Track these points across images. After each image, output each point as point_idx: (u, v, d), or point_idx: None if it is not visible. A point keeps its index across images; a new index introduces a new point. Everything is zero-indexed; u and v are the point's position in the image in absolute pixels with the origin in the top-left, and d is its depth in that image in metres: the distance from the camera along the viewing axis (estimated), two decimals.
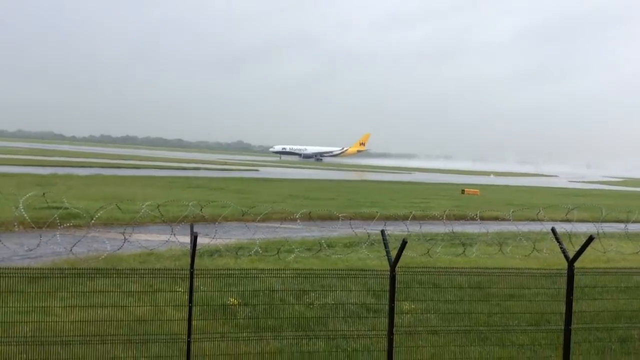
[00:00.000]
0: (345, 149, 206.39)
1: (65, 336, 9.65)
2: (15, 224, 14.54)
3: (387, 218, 17.76)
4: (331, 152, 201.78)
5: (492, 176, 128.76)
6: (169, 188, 47.30)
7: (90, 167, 74.54)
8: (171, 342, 9.76)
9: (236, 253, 16.81)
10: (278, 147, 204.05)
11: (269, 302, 12.06)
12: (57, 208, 20.97)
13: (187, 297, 9.44)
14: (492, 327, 11.62)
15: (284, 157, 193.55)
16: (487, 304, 12.17)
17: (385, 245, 9.72)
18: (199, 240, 9.36)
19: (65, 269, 11.21)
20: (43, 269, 11.82)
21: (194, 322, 9.34)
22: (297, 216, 12.22)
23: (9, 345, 9.32)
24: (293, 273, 11.50)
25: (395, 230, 12.66)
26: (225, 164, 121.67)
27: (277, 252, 14.04)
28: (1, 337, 9.50)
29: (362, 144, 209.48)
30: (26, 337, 9.70)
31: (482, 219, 16.85)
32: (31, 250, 12.35)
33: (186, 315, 9.36)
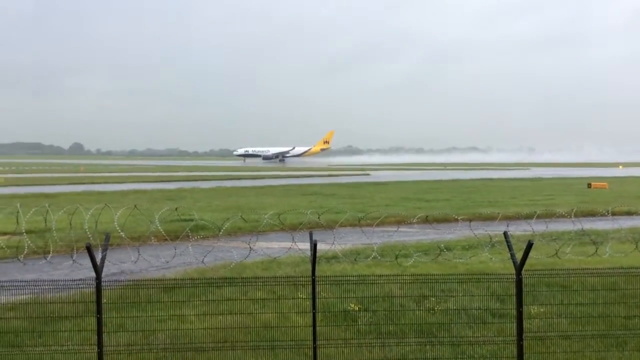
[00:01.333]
0: (309, 148, 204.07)
1: (199, 343, 10.23)
2: (152, 237, 15.72)
3: (509, 218, 17.11)
4: (291, 152, 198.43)
5: (621, 168, 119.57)
6: (285, 196, 48.68)
7: (212, 180, 78.62)
8: (297, 348, 10.02)
9: (355, 259, 16.95)
10: (241, 150, 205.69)
11: (389, 308, 12.01)
12: (187, 220, 22.36)
13: (309, 303, 9.66)
14: (631, 331, 10.78)
15: (248, 160, 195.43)
16: (624, 306, 11.32)
17: (509, 248, 9.35)
18: (317, 246, 9.55)
19: (196, 279, 11.92)
20: (176, 279, 12.67)
21: (317, 328, 9.53)
22: (414, 220, 12.09)
23: (149, 352, 10.03)
24: (411, 278, 11.39)
25: (517, 230, 12.15)
26: (333, 169, 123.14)
27: (396, 258, 13.96)
28: (142, 344, 10.25)
29: (327, 142, 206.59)
30: (164, 344, 10.40)
31: (614, 214, 15.70)
32: (168, 261, 13.25)
33: (310, 321, 9.57)
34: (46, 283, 9.85)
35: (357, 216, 24.28)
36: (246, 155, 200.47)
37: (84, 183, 67.15)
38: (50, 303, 10.69)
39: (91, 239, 11.59)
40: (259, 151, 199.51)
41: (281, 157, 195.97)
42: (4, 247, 14.45)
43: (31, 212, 13.95)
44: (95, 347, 8.57)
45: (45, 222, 15.45)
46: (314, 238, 9.60)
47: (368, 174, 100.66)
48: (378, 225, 14.55)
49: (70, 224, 12.65)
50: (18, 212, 14.61)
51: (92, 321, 9.87)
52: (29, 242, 12.30)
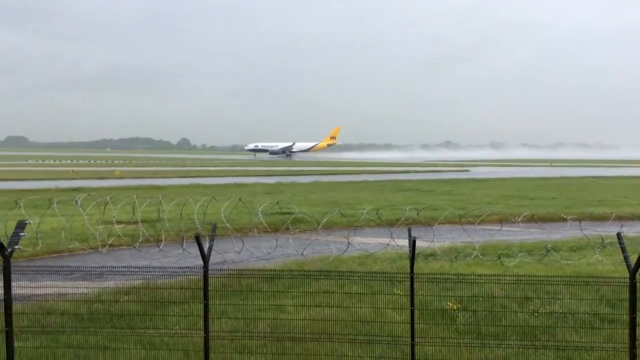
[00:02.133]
0: (316, 144, 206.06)
1: (297, 333, 10.47)
2: (254, 229, 16.34)
3: (621, 218, 16.00)
4: (293, 147, 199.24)
5: None
6: (381, 192, 48.52)
7: (310, 174, 79.92)
8: (394, 344, 9.99)
9: (455, 257, 16.58)
10: (251, 145, 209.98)
11: (489, 308, 11.66)
12: (286, 214, 22.92)
13: (406, 300, 9.59)
14: None
15: (258, 155, 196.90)
16: None
17: (623, 250, 8.77)
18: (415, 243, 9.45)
19: (294, 271, 12.20)
20: (276, 270, 13.03)
21: (415, 325, 9.44)
22: (519, 219, 11.63)
23: (250, 339, 10.40)
24: (514, 279, 10.99)
25: (631, 231, 11.36)
26: (432, 165, 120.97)
27: (499, 257, 13.50)
28: (244, 331, 10.66)
29: (333, 137, 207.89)
30: (265, 332, 10.74)
31: None
32: (269, 253, 13.66)
33: (407, 318, 9.50)
34: (157, 269, 10.48)
35: (457, 213, 23.75)
36: (256, 150, 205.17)
37: (190, 176, 70.57)
38: (160, 288, 11.37)
39: (199, 229, 12.18)
40: (267, 146, 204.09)
41: (287, 152, 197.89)
42: (121, 235, 15.54)
43: (146, 203, 14.95)
44: (202, 332, 9.02)
45: (159, 213, 16.45)
46: (410, 234, 9.52)
47: (468, 170, 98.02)
48: (479, 223, 14.12)
49: (181, 215, 13.34)
50: (134, 203, 15.67)
51: (198, 307, 10.39)
52: (144, 230, 13.13)
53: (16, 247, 7.68)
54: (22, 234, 7.77)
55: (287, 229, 13.55)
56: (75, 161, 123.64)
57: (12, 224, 8.33)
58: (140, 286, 11.50)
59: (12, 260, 7.93)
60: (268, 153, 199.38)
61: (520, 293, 11.70)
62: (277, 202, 15.74)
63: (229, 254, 14.96)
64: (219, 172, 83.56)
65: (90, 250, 18.02)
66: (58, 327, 10.80)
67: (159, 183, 57.12)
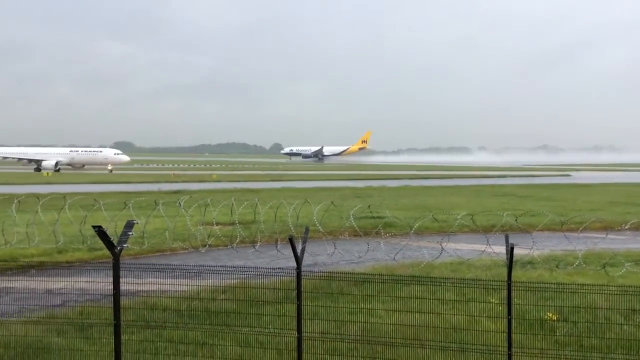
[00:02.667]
0: (347, 147, 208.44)
1: (388, 337, 10.41)
2: (345, 232, 16.50)
3: None
4: (324, 150, 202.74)
5: None
6: (476, 197, 47.21)
7: (399, 178, 79.24)
8: (488, 353, 9.70)
9: (555, 266, 15.83)
10: (287, 149, 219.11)
11: (592, 320, 11.04)
12: (377, 218, 22.88)
13: (502, 308, 9.29)
14: None
15: (293, 158, 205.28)
16: None
17: None
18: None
19: (385, 275, 12.16)
20: (367, 274, 13.04)
21: (512, 335, 9.13)
22: (627, 226, 10.93)
23: (342, 342, 10.47)
24: (619, 289, 10.34)
25: None
26: (532, 169, 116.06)
27: (603, 267, 12.74)
28: (335, 333, 10.75)
29: (364, 141, 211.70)
30: (355, 335, 10.77)
31: None
32: (360, 256, 13.73)
33: (503, 327, 9.20)
34: (251, 270, 10.82)
35: (557, 220, 22.68)
36: (291, 154, 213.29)
37: (282, 180, 72.15)
38: (255, 288, 11.70)
39: (292, 231, 12.44)
40: (301, 150, 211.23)
41: (320, 155, 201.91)
42: (220, 236, 16.19)
43: (243, 205, 15.52)
44: (295, 333, 9.20)
45: (254, 215, 17.00)
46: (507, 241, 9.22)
47: (569, 175, 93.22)
48: (582, 230, 13.38)
49: (275, 217, 13.71)
50: (232, 205, 16.29)
51: (291, 308, 10.60)
52: (241, 232, 13.60)
53: (125, 245, 8.21)
54: (130, 233, 8.30)
55: (378, 233, 13.53)
56: (176, 165, 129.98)
57: (121, 224, 8.92)
58: (236, 285, 11.90)
59: (119, 258, 8.48)
60: (301, 157, 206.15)
61: (627, 305, 10.97)
62: (369, 206, 15.72)
63: (321, 257, 15.16)
64: (308, 176, 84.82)
65: (191, 249, 18.93)
66: (160, 322, 11.42)
67: (253, 186, 58.85)
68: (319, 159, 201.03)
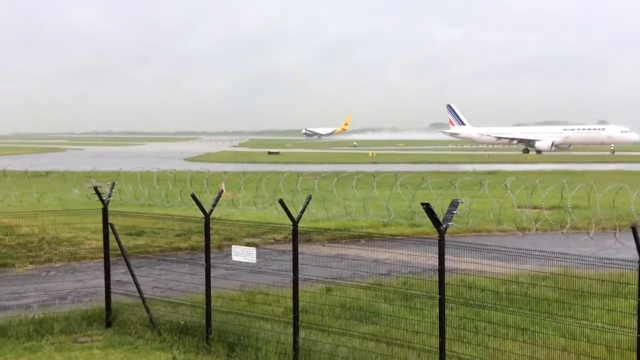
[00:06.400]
0: (334, 129, 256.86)
1: None
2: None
3: None
4: (326, 132, 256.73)
5: None
6: None
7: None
8: None
9: None
10: (304, 130, 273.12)
11: None
12: None
13: None
14: None
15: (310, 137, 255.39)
16: None
17: None
18: None
19: None
20: None
21: None
22: None
23: None
24: None
25: None
26: None
27: None
28: None
29: (346, 124, 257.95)
30: None
31: None
32: None
33: None
34: (574, 257, 10.07)
35: None
36: (307, 134, 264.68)
37: (606, 162, 65.11)
38: (579, 277, 10.89)
39: (636, 218, 11.21)
40: (310, 130, 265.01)
41: (320, 135, 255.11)
42: (545, 220, 15.61)
43: (576, 188, 14.57)
44: (633, 332, 8.29)
45: (588, 200, 15.79)
46: None
47: None
48: None
49: (614, 202, 12.51)
50: (563, 187, 15.42)
51: (623, 304, 9.62)
52: (573, 217, 12.82)
53: (450, 223, 8.50)
54: (455, 211, 8.56)
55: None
56: (491, 145, 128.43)
57: (446, 202, 9.25)
58: (558, 273, 11.28)
59: (444, 235, 8.78)
60: (317, 137, 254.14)
61: None
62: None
63: None
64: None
65: (511, 232, 18.55)
66: (478, 301, 11.56)
67: (576, 168, 54.59)
68: (319, 137, 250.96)
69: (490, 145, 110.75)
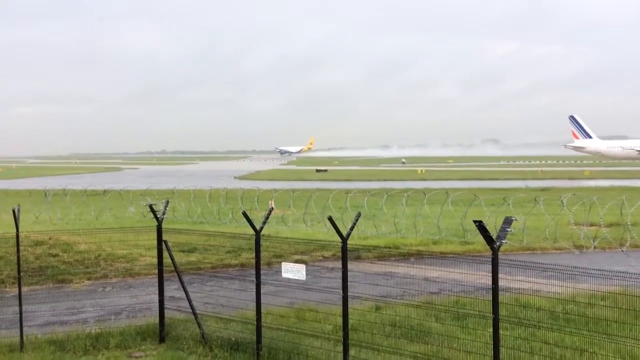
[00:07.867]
0: (302, 148, 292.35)
1: None
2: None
3: None
4: (296, 150, 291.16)
5: None
6: None
7: None
8: None
9: None
10: (275, 148, 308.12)
11: None
12: None
13: None
14: None
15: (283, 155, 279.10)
16: None
17: None
18: None
19: None
20: None
21: None
22: None
23: None
24: None
25: None
26: None
27: None
28: None
29: (311, 143, 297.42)
30: None
31: None
32: None
33: None
34: (634, 275, 9.68)
35: None
36: (280, 152, 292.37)
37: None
38: (639, 297, 10.45)
39: None
40: (282, 149, 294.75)
41: (290, 153, 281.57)
42: (609, 238, 15.10)
43: (637, 205, 14.09)
44: None
45: (628, 215, 15.23)
46: None
47: None
48: None
49: None
50: (623, 203, 14.94)
51: None
52: (633, 234, 12.35)
53: (504, 241, 8.31)
54: (508, 229, 8.36)
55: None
56: (544, 161, 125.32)
57: (500, 220, 9.06)
58: (617, 292, 10.86)
59: (498, 253, 8.61)
60: (288, 154, 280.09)
61: None
62: None
63: None
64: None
65: (567, 250, 17.95)
66: (533, 321, 11.21)
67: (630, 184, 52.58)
68: (290, 155, 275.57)
69: (620, 161, 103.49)
